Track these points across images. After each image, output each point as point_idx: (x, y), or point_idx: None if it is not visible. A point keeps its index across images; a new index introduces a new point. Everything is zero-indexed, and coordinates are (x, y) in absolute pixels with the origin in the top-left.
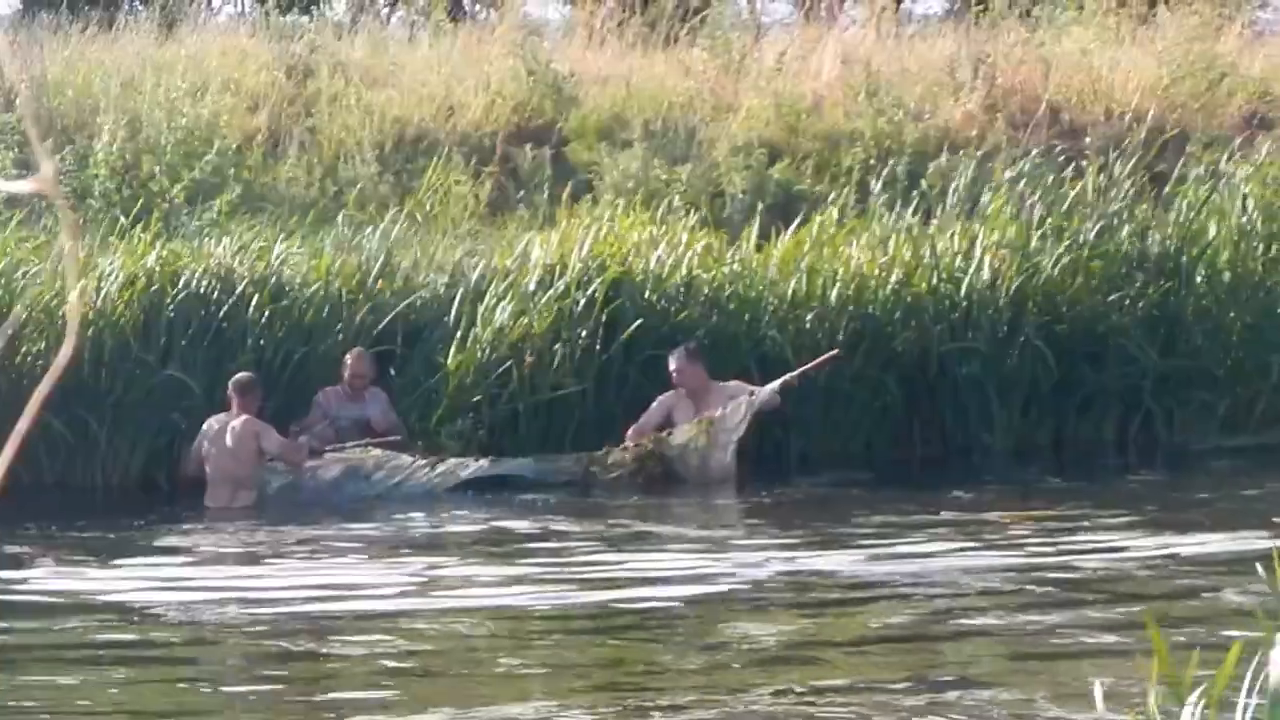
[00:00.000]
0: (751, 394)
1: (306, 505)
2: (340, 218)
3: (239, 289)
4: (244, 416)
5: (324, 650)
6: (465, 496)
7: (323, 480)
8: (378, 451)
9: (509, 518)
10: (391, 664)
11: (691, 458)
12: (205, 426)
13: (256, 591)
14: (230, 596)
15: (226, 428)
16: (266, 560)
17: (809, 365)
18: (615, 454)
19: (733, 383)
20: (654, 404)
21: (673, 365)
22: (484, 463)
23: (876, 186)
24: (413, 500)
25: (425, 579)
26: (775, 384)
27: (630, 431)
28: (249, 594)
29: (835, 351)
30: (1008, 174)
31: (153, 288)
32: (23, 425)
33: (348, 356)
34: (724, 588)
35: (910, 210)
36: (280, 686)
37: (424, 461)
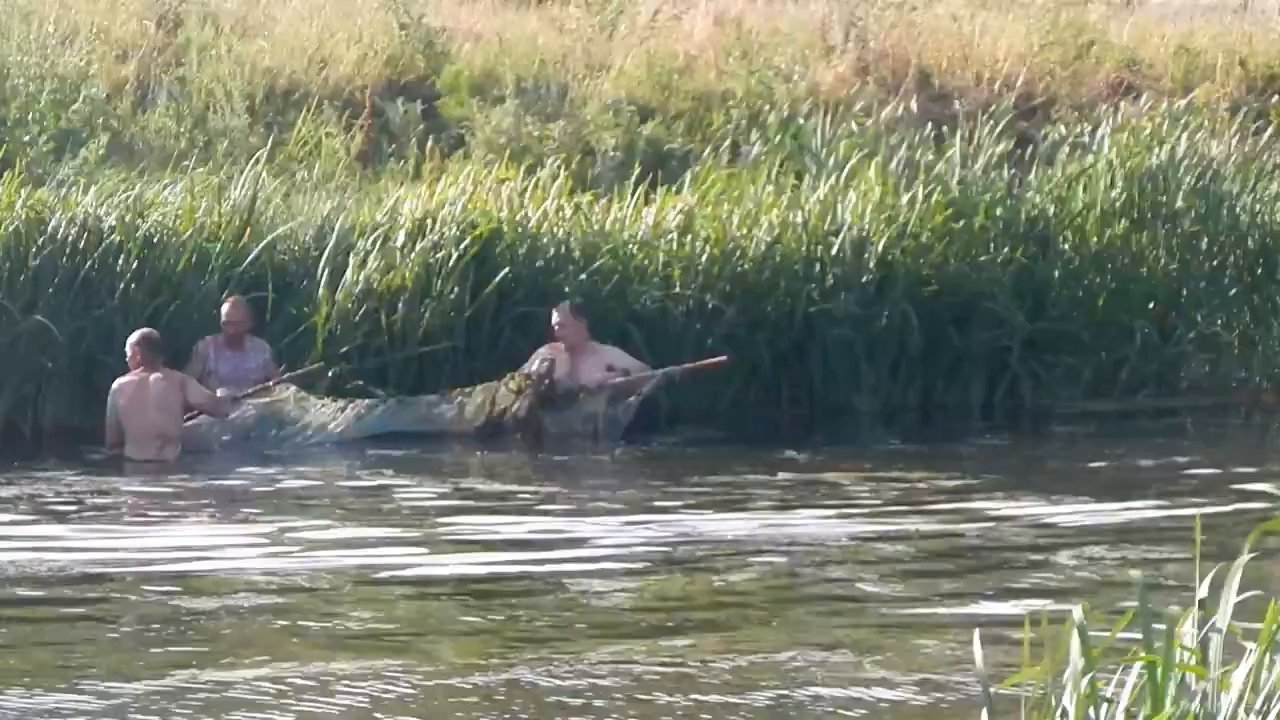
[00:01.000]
0: (625, 373)
1: (218, 455)
2: (209, 167)
3: (106, 238)
4: (159, 372)
5: (177, 606)
6: (359, 450)
7: (238, 426)
8: (294, 390)
9: (368, 476)
10: (244, 622)
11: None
12: (116, 389)
13: (112, 550)
14: (79, 551)
15: (146, 385)
16: (130, 515)
17: (697, 364)
18: (508, 395)
19: (612, 348)
20: (533, 356)
21: (555, 319)
22: (391, 403)
23: (747, 147)
24: (309, 455)
25: (286, 538)
26: (659, 376)
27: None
28: (101, 550)
29: (725, 357)
30: (877, 137)
31: (18, 235)
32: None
33: (225, 305)
34: (586, 551)
35: (780, 171)
36: (134, 646)
37: (335, 406)
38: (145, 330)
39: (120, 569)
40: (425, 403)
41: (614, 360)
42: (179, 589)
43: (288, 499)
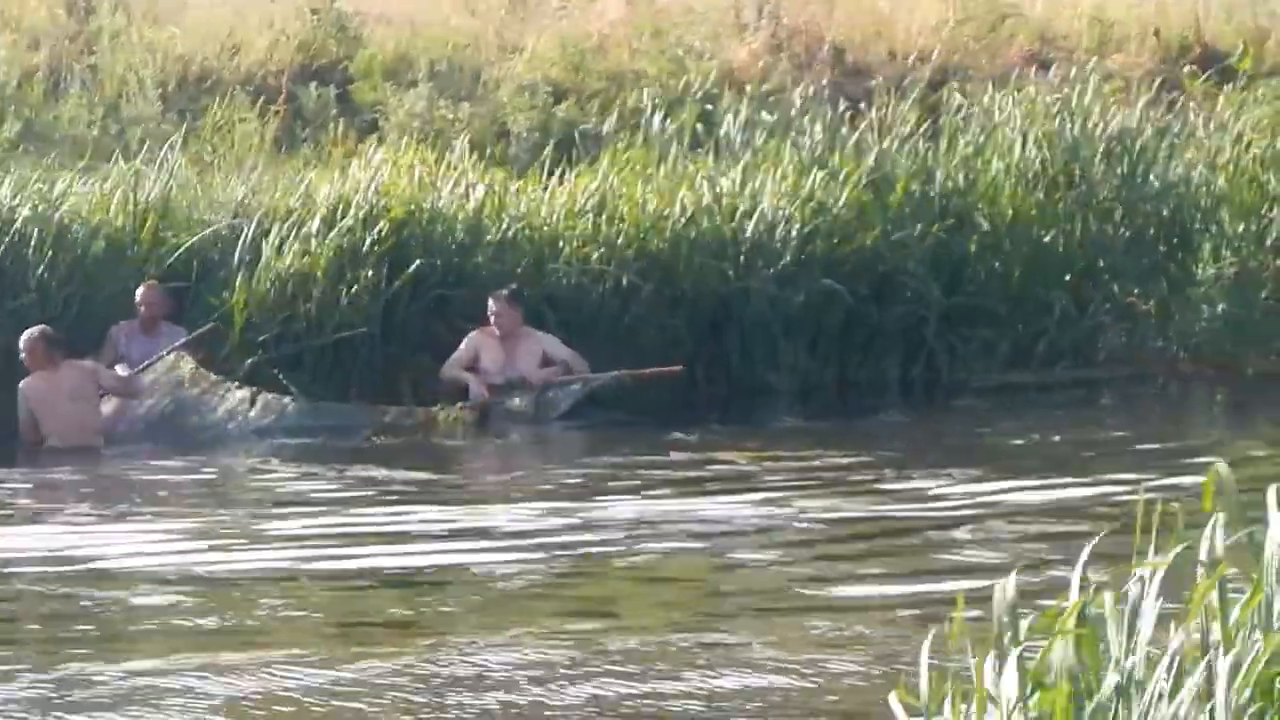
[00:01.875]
0: (564, 364)
1: (136, 441)
2: (121, 155)
3: (17, 227)
4: (64, 364)
5: (78, 599)
6: (277, 442)
7: (154, 414)
8: (189, 364)
9: (282, 466)
10: (142, 615)
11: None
12: (23, 389)
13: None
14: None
15: (56, 379)
16: (41, 507)
17: (649, 371)
18: (451, 413)
19: (547, 336)
20: (464, 344)
21: (491, 308)
22: (302, 407)
23: (661, 126)
24: (227, 445)
25: (200, 531)
26: (609, 378)
27: (444, 368)
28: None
29: (679, 367)
30: (790, 114)
31: None
32: None
33: (139, 289)
34: (490, 539)
35: (694, 150)
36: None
37: (244, 397)
38: (40, 327)
39: (23, 564)
40: (346, 411)
41: (549, 348)
42: (84, 583)
43: (204, 490)
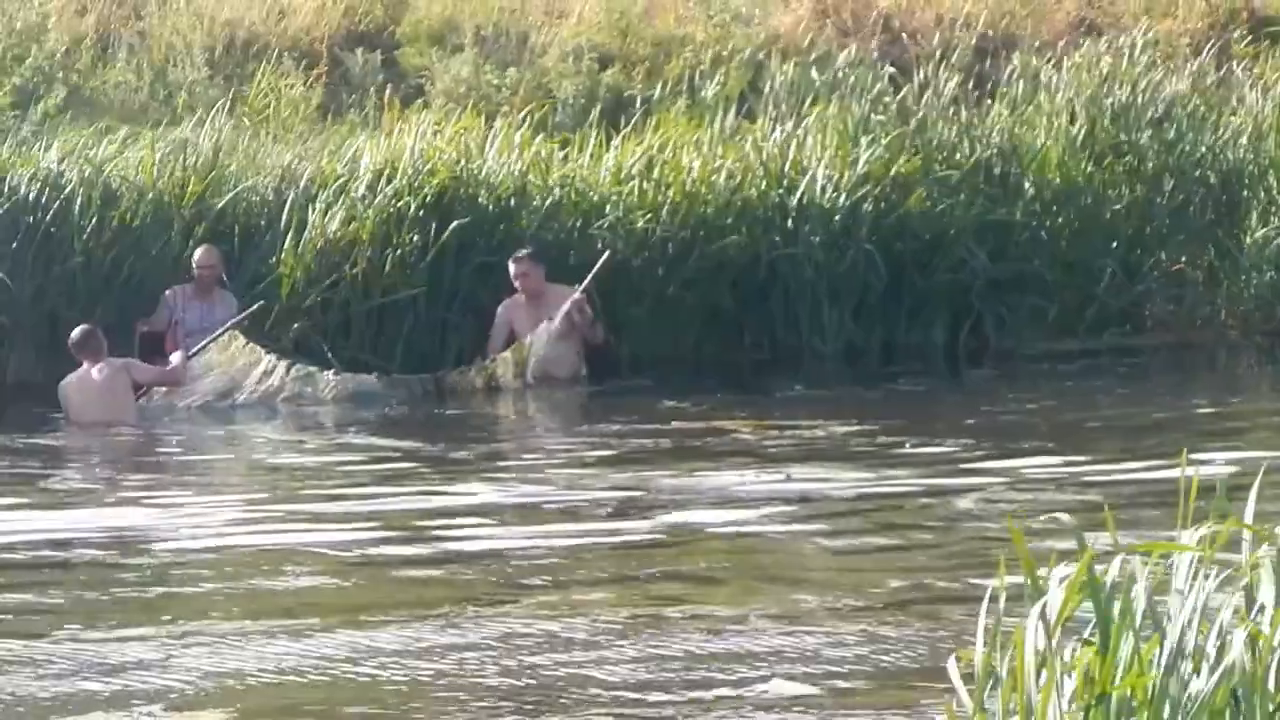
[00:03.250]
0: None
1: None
2: (170, 120)
3: (67, 193)
4: (100, 363)
5: (114, 573)
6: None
7: (212, 392)
8: (240, 341)
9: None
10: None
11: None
12: (62, 388)
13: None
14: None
15: (88, 380)
16: (75, 482)
17: (588, 278)
18: (466, 377)
19: (564, 286)
20: (497, 319)
21: (514, 270)
22: (330, 377)
23: (707, 92)
24: (266, 418)
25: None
26: (566, 304)
27: (490, 352)
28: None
29: (607, 253)
30: (837, 80)
31: None
32: None
33: (197, 252)
34: (533, 510)
35: (741, 116)
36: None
37: (281, 368)
38: (79, 329)
39: (66, 536)
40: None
41: (568, 294)
42: (122, 553)
43: (246, 465)
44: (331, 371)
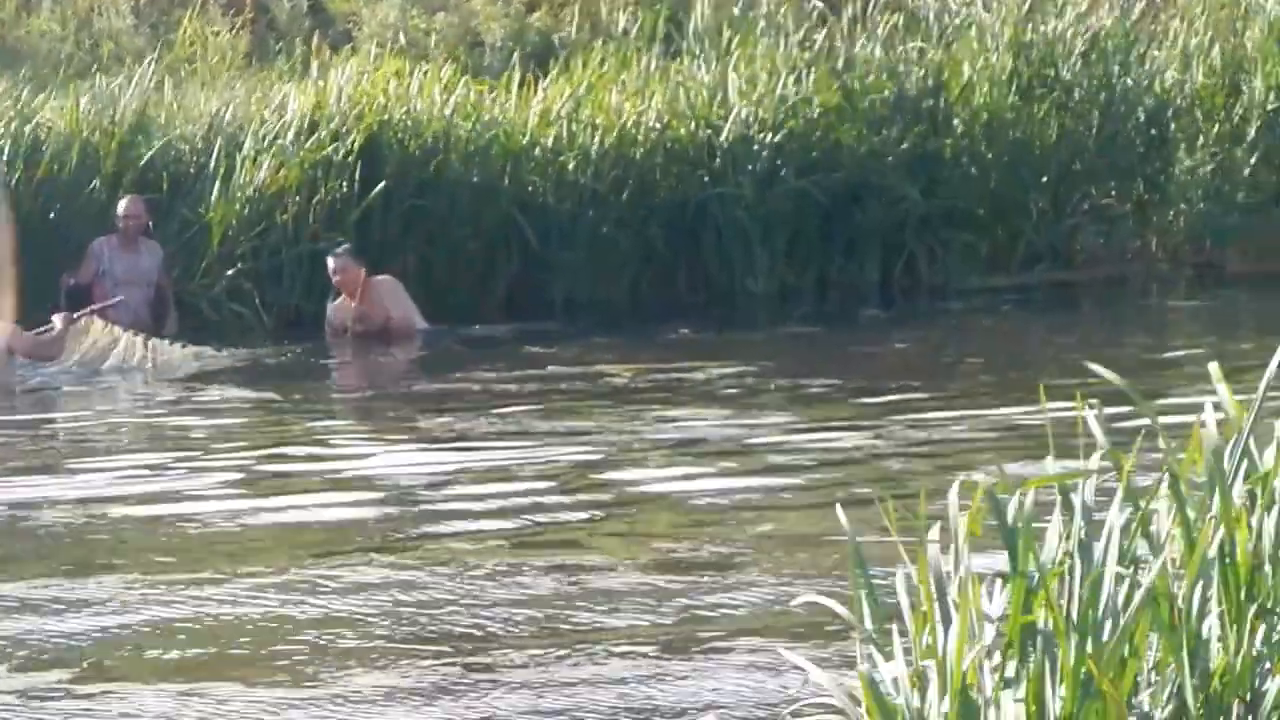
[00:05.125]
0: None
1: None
2: (95, 70)
3: None
4: None
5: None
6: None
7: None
8: (99, 324)
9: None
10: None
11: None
12: None
13: None
14: None
15: None
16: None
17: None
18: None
19: (389, 284)
20: (329, 315)
21: (332, 267)
22: (184, 349)
23: (633, 32)
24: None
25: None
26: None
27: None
28: None
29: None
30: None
31: None
32: None
33: (122, 202)
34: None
35: (667, 56)
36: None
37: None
38: None
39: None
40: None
41: (388, 301)
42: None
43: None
44: (180, 345)
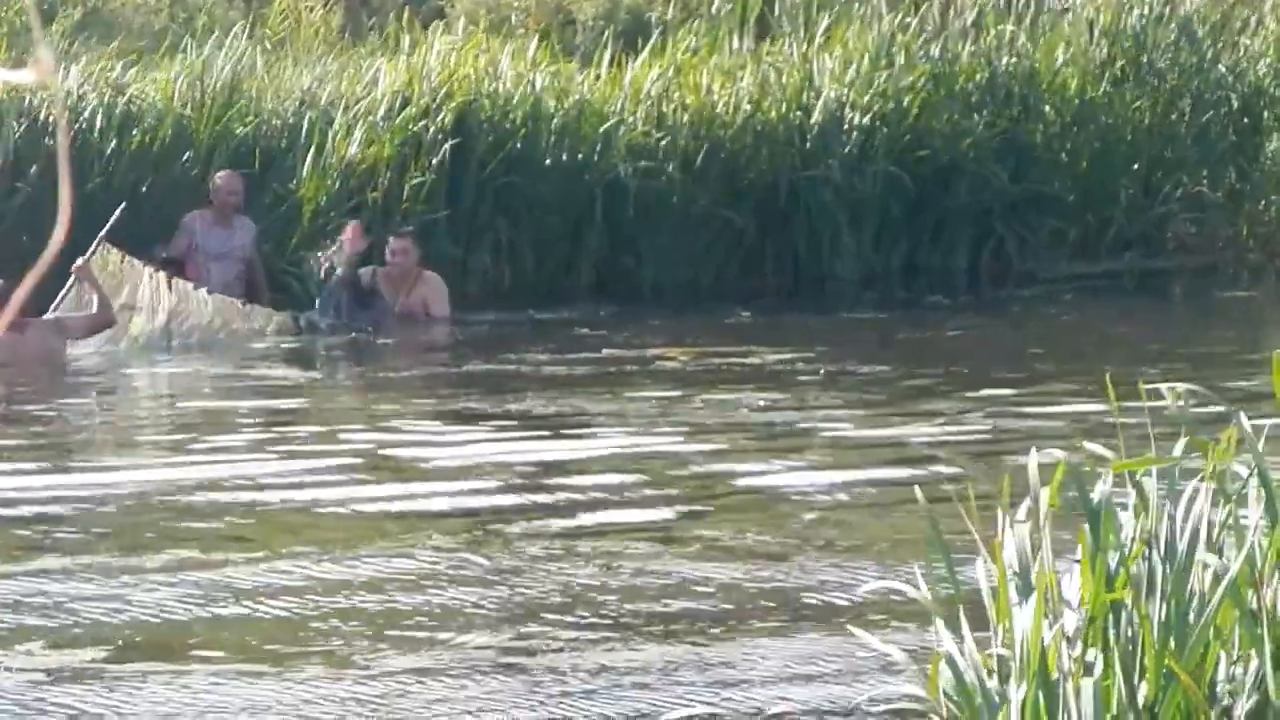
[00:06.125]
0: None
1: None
2: (189, 43)
3: (86, 114)
4: (28, 325)
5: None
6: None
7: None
8: (115, 256)
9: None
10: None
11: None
12: None
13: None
14: None
15: (20, 345)
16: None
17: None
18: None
19: (435, 285)
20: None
21: (395, 246)
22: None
23: (724, 12)
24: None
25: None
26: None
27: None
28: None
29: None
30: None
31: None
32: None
33: (218, 177)
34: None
35: (759, 38)
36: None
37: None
38: None
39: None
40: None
41: (432, 298)
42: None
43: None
44: (205, 290)
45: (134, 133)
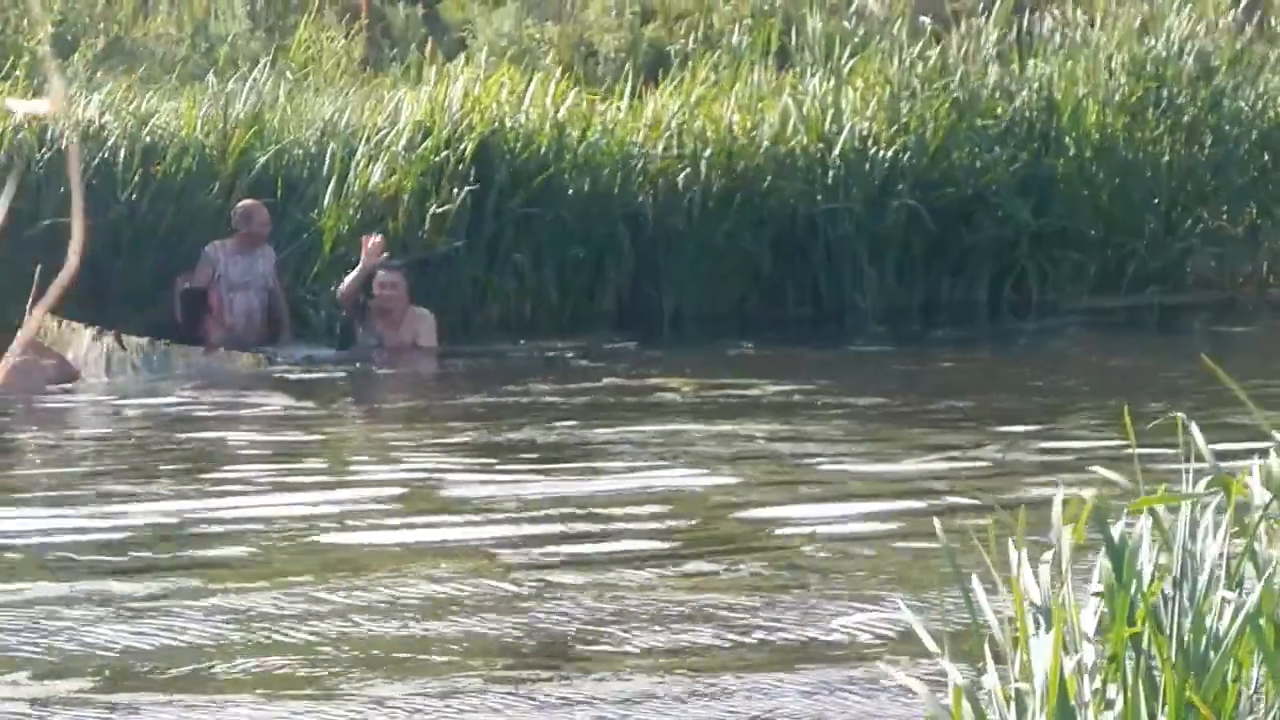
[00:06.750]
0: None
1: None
2: (211, 74)
3: (108, 144)
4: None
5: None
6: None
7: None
8: (54, 324)
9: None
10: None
11: None
12: None
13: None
14: None
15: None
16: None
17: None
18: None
19: (425, 319)
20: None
21: (384, 280)
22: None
23: (746, 46)
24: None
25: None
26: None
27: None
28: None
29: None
30: (874, 32)
31: (18, 144)
32: (23, 335)
33: (248, 208)
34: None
35: (780, 70)
36: None
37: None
38: None
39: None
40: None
41: (421, 332)
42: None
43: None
44: (148, 341)
45: (156, 162)
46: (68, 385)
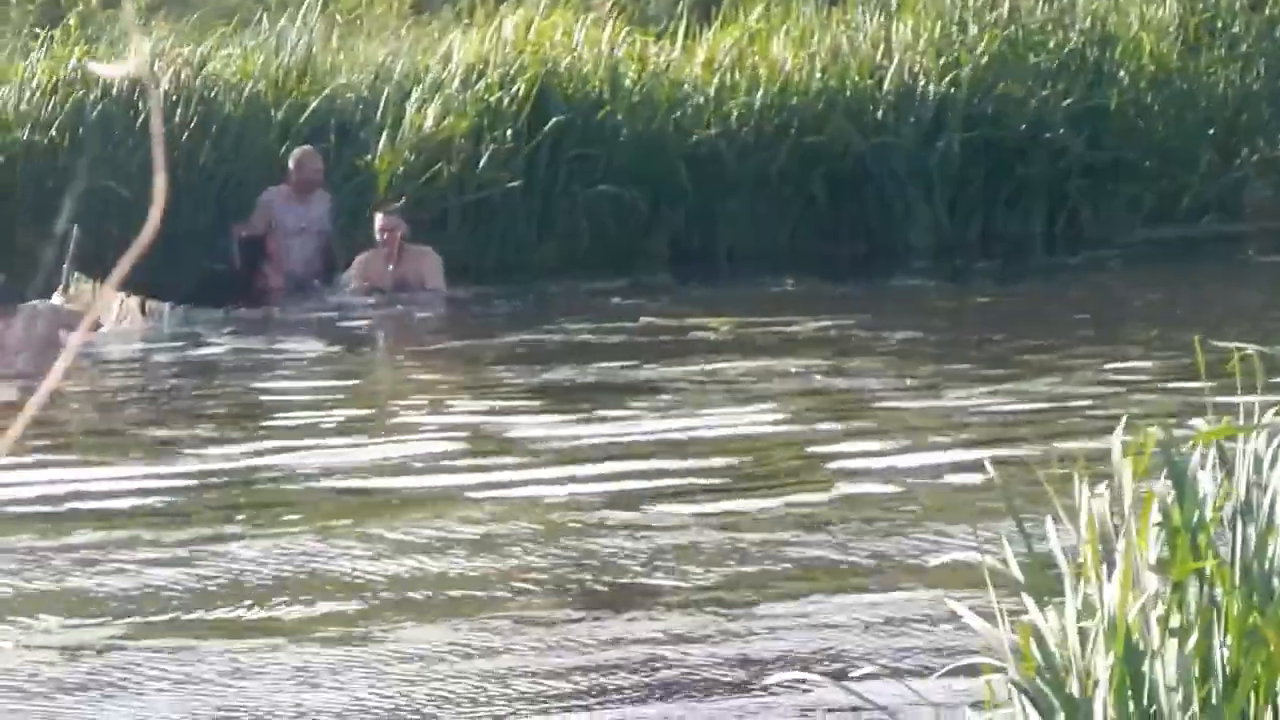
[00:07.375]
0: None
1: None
2: (261, 19)
3: (163, 93)
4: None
5: None
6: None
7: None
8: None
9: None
10: None
11: None
12: None
13: None
14: None
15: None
16: None
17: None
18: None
19: (429, 257)
20: (355, 264)
21: (383, 224)
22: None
23: None
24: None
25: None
26: None
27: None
28: None
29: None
30: None
31: (72, 94)
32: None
33: (300, 155)
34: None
35: (830, 3)
36: None
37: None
38: None
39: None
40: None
41: (427, 273)
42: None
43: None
44: (170, 305)
45: (211, 109)
46: (95, 343)
